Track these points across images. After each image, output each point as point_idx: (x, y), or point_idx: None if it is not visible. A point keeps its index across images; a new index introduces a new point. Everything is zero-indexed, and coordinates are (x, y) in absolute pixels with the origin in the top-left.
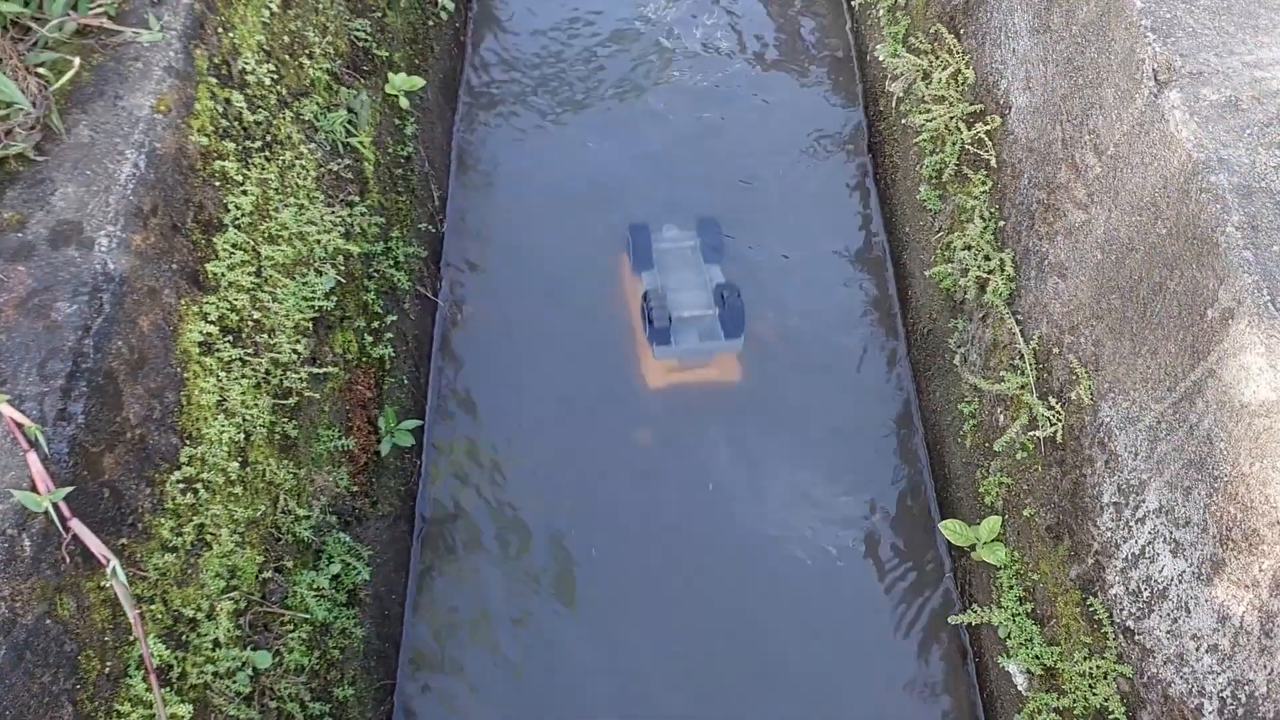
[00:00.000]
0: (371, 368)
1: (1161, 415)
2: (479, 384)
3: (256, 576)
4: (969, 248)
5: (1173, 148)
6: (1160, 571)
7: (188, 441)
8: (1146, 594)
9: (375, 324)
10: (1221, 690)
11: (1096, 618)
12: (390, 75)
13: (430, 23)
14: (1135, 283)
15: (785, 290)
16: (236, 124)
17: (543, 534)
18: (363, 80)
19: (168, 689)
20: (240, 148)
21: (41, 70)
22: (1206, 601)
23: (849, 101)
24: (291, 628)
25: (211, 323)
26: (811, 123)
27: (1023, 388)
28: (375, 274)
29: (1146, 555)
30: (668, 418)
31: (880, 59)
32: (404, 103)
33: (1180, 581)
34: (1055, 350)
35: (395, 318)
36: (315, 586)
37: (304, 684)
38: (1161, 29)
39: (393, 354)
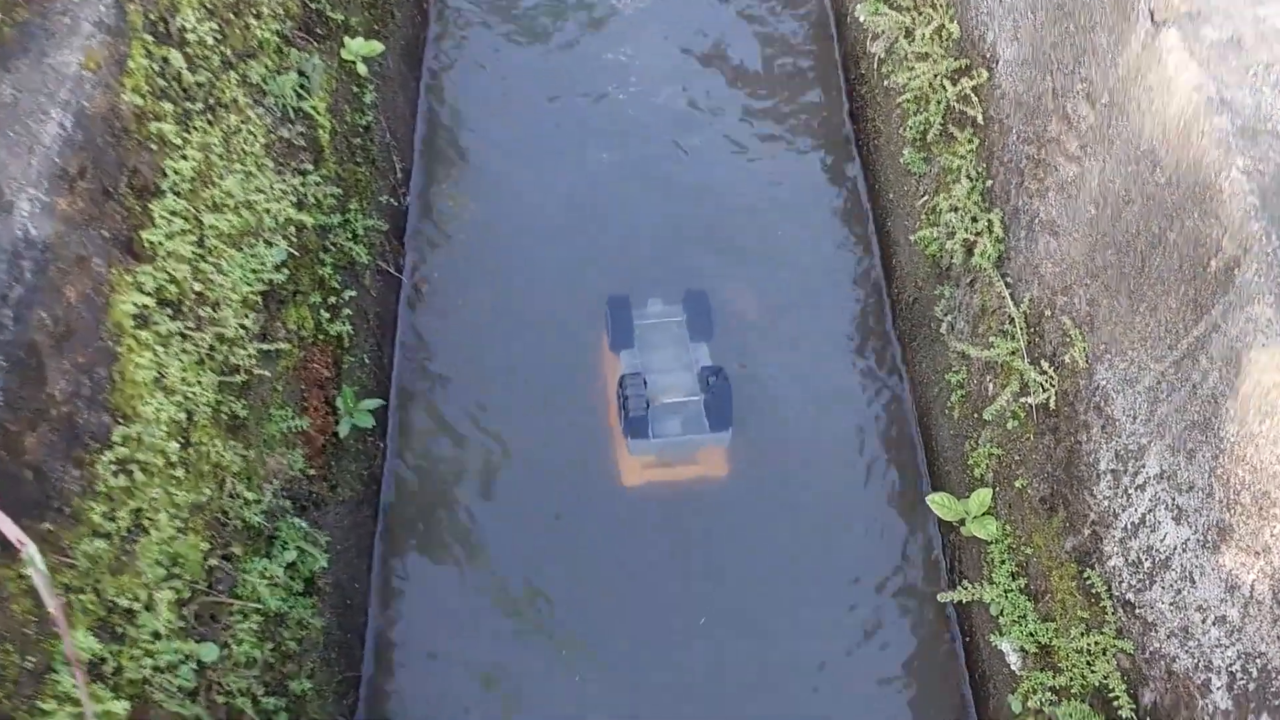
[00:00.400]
0: (329, 345)
1: (1162, 375)
2: (445, 364)
3: (202, 564)
4: (955, 209)
5: (1172, 91)
6: (1162, 540)
7: (121, 420)
8: (1148, 564)
9: (332, 299)
10: (1230, 664)
11: (1094, 591)
12: (347, 40)
13: None
14: (1132, 236)
15: (764, 263)
16: (175, 84)
17: (512, 521)
18: (316, 44)
19: (101, 684)
20: (179, 109)
21: None
22: (1213, 570)
23: (827, 67)
24: (241, 618)
25: (147, 294)
26: (788, 89)
27: (1013, 353)
28: (332, 247)
29: (1147, 524)
30: None
31: (860, 19)
32: (362, 69)
33: (1184, 550)
34: (1047, 312)
35: (354, 293)
36: (268, 574)
37: (256, 677)
38: None
39: (351, 331)
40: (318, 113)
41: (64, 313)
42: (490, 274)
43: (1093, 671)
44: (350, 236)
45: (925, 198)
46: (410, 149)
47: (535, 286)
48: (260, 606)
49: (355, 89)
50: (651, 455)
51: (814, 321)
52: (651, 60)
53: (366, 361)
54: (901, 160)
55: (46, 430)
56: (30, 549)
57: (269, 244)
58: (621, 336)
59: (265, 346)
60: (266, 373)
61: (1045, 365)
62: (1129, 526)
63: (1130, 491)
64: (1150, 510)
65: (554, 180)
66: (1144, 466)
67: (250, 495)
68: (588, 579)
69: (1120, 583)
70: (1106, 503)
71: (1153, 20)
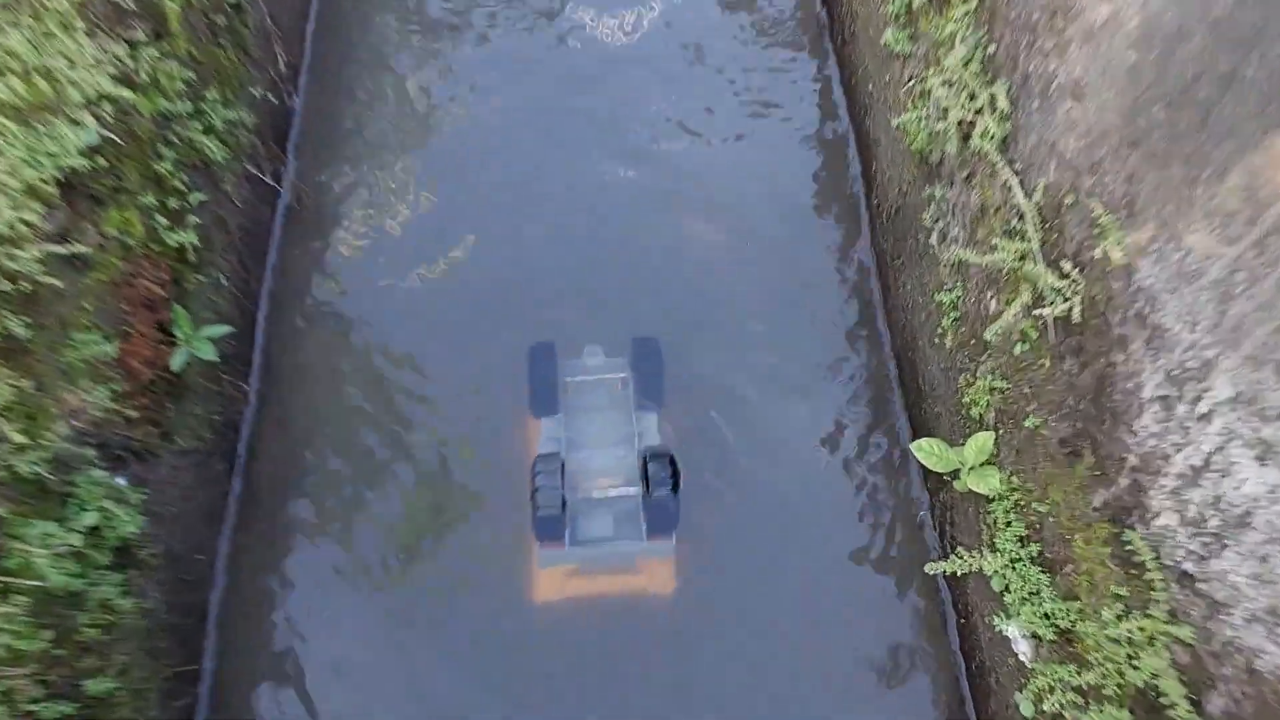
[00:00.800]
0: (165, 258)
1: (1238, 260)
2: (327, 293)
3: None
4: (949, 84)
5: None
6: (1238, 489)
7: None
8: (1216, 522)
9: (173, 203)
10: None
11: (1136, 560)
12: None
13: None
14: (1190, 82)
15: (731, 179)
16: None
17: (389, 488)
18: None
19: None
20: None
21: None
22: None
23: None
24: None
25: None
26: None
27: (1023, 256)
28: (176, 140)
29: (1215, 467)
30: None
31: None
32: None
33: (1272, 501)
34: (1069, 200)
35: (206, 198)
36: (50, 543)
37: (28, 676)
38: None
39: (198, 243)
40: None
41: None
42: (389, 194)
43: (1135, 668)
44: (203, 129)
45: (911, 82)
46: (300, 42)
47: (453, 206)
48: (40, 584)
49: None
50: (569, 565)
51: (778, 243)
52: None
53: (224, 283)
54: (882, 42)
55: None
56: None
57: (74, 123)
58: (543, 399)
59: (61, 250)
60: (61, 284)
61: (1066, 266)
62: (1187, 471)
63: (1189, 424)
64: (1220, 448)
65: (485, 99)
66: (1210, 389)
67: (19, 439)
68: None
69: (1175, 548)
70: (1153, 441)
71: None
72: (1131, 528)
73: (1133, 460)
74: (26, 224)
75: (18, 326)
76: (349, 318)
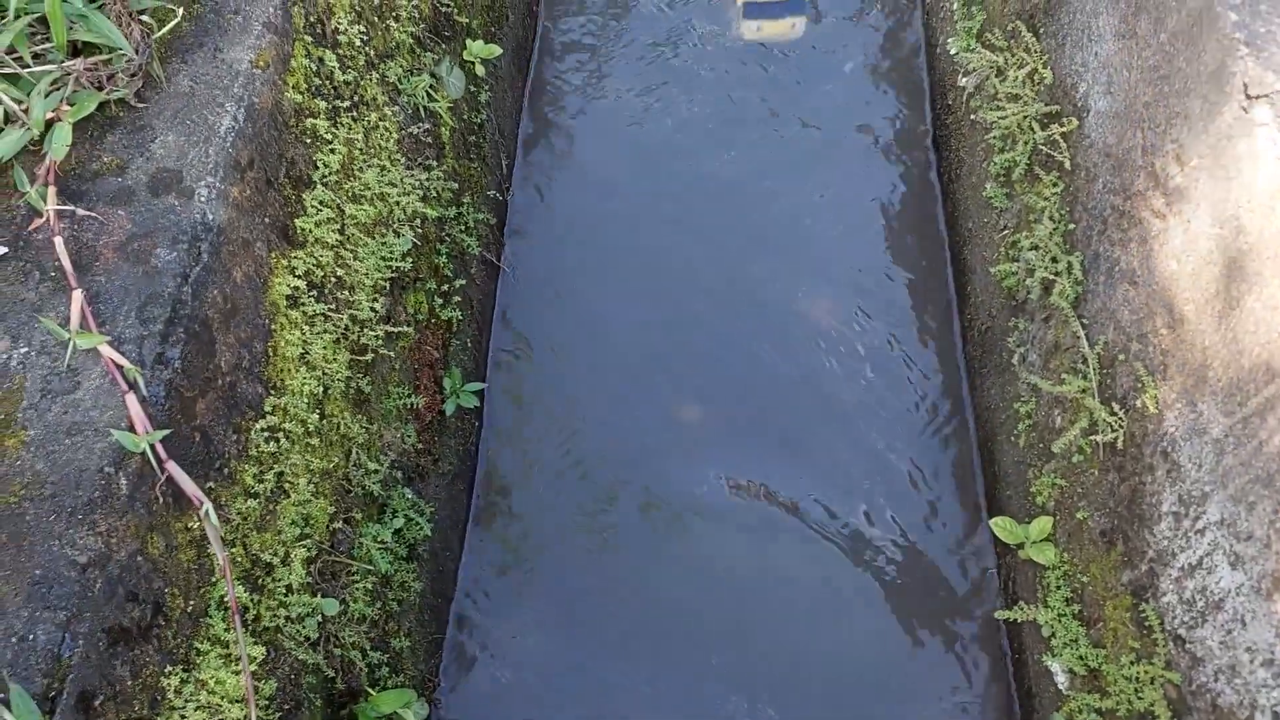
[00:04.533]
0: (440, 329)
1: (1230, 429)
2: (536, 350)
3: (328, 526)
4: (1036, 248)
5: (1260, 163)
6: (1218, 583)
7: (272, 391)
8: (1201, 604)
9: (445, 286)
10: (1276, 704)
11: (1147, 624)
12: (469, 42)
13: None
14: (1211, 296)
15: (841, 271)
16: (328, 83)
17: (593, 497)
18: (444, 45)
19: (245, 631)
20: (330, 106)
21: (144, 18)
22: (1265, 616)
23: (916, 93)
24: (357, 578)
25: (299, 277)
26: (878, 110)
27: (1084, 391)
28: (447, 238)
29: (1204, 566)
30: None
31: (951, 53)
32: (480, 70)
33: (1238, 594)
34: (1121, 356)
35: (463, 281)
36: (380, 539)
37: (365, 633)
38: (1255, 43)
39: (460, 316)
40: (443, 112)
41: (232, 291)
42: (578, 264)
43: (1140, 698)
44: (463, 228)
45: (1005, 232)
46: (514, 145)
47: (619, 271)
48: (372, 568)
49: (473, 88)
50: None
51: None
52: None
53: (469, 345)
54: (984, 193)
55: (214, 397)
56: (207, 505)
57: (398, 234)
58: None
59: (389, 329)
60: (389, 353)
61: (1115, 406)
62: (1186, 567)
63: (1190, 534)
64: (1208, 554)
65: (642, 175)
66: (1205, 512)
67: (371, 465)
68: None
69: (1173, 618)
70: (1166, 542)
71: (1246, 94)
72: (1146, 601)
73: (1151, 553)
74: (374, 310)
75: (365, 385)
76: (559, 365)
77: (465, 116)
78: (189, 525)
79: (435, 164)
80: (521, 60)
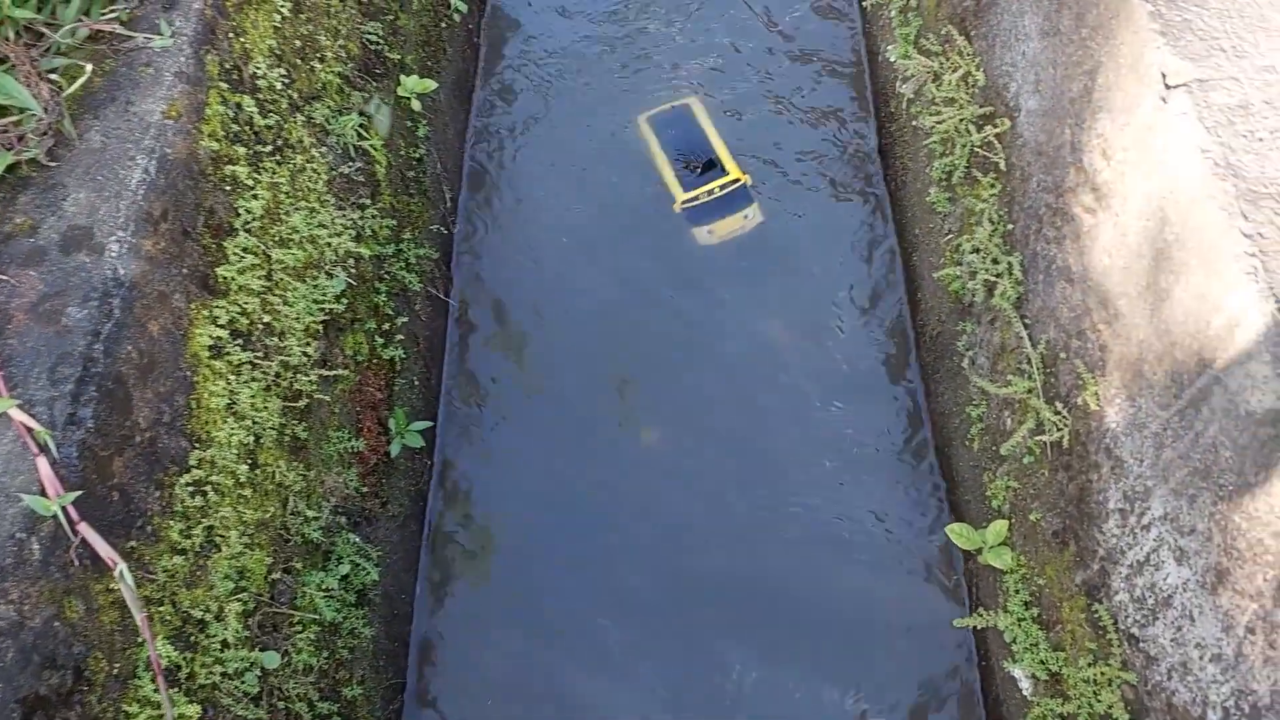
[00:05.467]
0: (382, 369)
1: (1167, 422)
2: (489, 385)
3: (265, 577)
4: (977, 250)
5: (1181, 153)
6: (1165, 579)
7: (197, 445)
8: (1151, 601)
9: (386, 325)
10: (1225, 700)
11: (1101, 624)
12: (403, 78)
13: (443, 25)
14: (1142, 289)
15: (796, 288)
16: (248, 128)
17: (548, 535)
18: (375, 83)
19: (176, 690)
20: (251, 152)
21: (54, 76)
22: (1210, 611)
23: (860, 103)
24: (300, 628)
25: (221, 326)
26: (822, 124)
27: (1030, 392)
28: (386, 276)
29: (1151, 562)
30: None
31: (891, 60)
32: (416, 105)
33: (1184, 590)
34: (1063, 355)
35: (406, 319)
36: (324, 587)
37: (312, 684)
38: (1171, 32)
39: (403, 355)
40: (376, 150)
41: (148, 346)
42: (525, 292)
43: (1099, 700)
44: (403, 265)
45: (949, 236)
46: (459, 178)
47: (581, 308)
48: (317, 617)
49: (409, 124)
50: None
51: (838, 358)
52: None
53: (416, 383)
54: (927, 199)
55: (132, 455)
56: (121, 567)
57: (330, 275)
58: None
59: (325, 372)
60: (325, 397)
61: (1060, 405)
62: (1134, 564)
63: (1136, 531)
64: (1154, 550)
65: (583, 200)
66: (1149, 508)
67: (310, 513)
68: (626, 588)
69: (1126, 617)
70: (1114, 540)
71: (1165, 83)
72: (1099, 601)
73: (1101, 552)
74: (306, 355)
75: (301, 431)
76: (510, 406)
77: (403, 152)
78: (110, 586)
79: (370, 202)
80: (463, 92)
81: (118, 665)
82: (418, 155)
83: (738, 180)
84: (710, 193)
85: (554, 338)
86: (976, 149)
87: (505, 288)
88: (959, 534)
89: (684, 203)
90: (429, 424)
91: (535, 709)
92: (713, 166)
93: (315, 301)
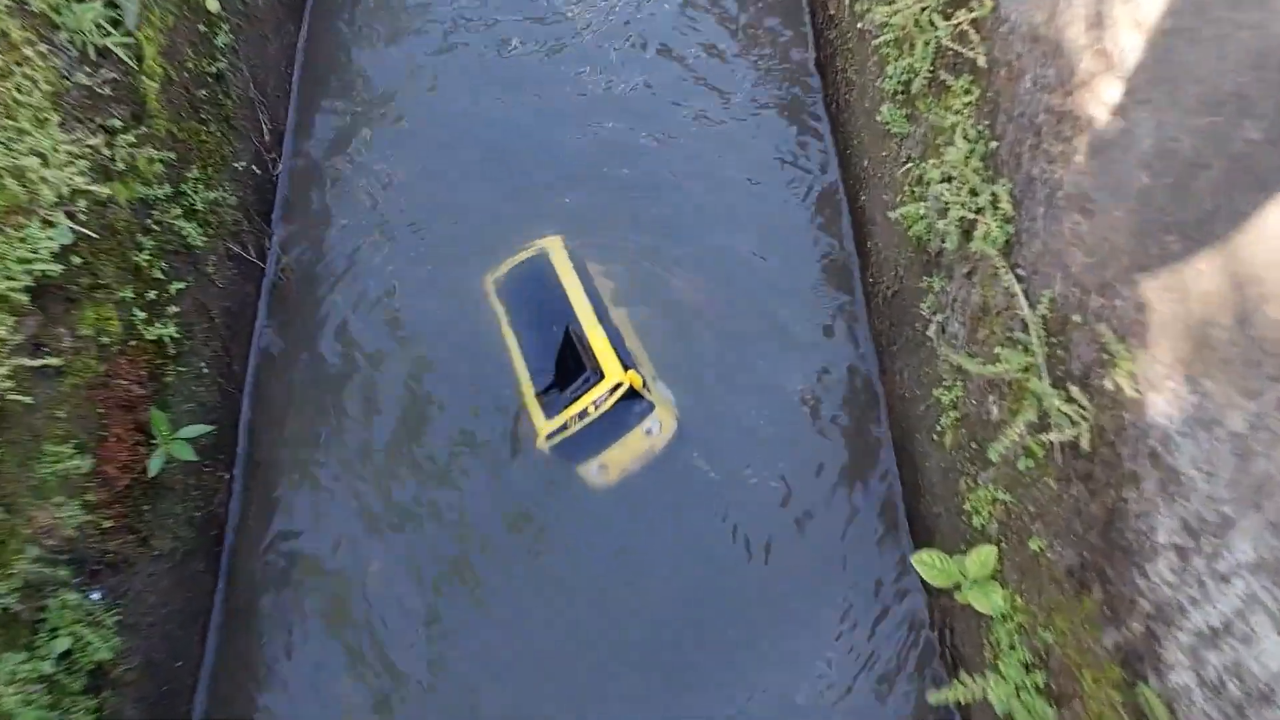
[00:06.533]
0: (144, 354)
1: (1260, 417)
2: (314, 375)
3: None
4: (949, 179)
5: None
6: (1259, 658)
7: None
8: (1235, 691)
9: (153, 294)
10: None
11: (1153, 715)
12: None
13: None
14: (1208, 214)
15: (716, 237)
16: None
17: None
18: None
19: None
20: None
21: None
22: None
23: (793, 10)
24: None
25: None
26: (747, 35)
27: (1027, 370)
28: (155, 227)
29: (1234, 632)
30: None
31: None
32: (213, 4)
33: None
34: (1076, 317)
35: (187, 284)
36: (20, 677)
37: None
38: None
39: (178, 335)
40: (139, 56)
41: None
42: (382, 257)
43: None
44: (183, 213)
45: (909, 164)
46: (285, 106)
47: (439, 278)
48: None
49: (203, 28)
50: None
51: (773, 317)
52: None
53: (205, 371)
54: (878, 118)
55: None
56: None
57: (48, 223)
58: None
59: (32, 363)
60: (32, 399)
61: (1074, 389)
62: (1206, 631)
63: (1206, 579)
64: (1241, 611)
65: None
66: (1228, 546)
67: None
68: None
69: (1192, 708)
70: (1167, 590)
71: None
72: (1144, 678)
73: (1146, 606)
74: (1, 339)
75: None
76: (337, 390)
77: (190, 65)
78: None
79: (128, 125)
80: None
81: None
82: (214, 70)
83: (619, 385)
84: (583, 414)
85: (409, 313)
86: (945, 44)
87: (346, 241)
88: (929, 565)
89: (549, 436)
90: (206, 429)
91: None
92: (581, 370)
93: (19, 260)
